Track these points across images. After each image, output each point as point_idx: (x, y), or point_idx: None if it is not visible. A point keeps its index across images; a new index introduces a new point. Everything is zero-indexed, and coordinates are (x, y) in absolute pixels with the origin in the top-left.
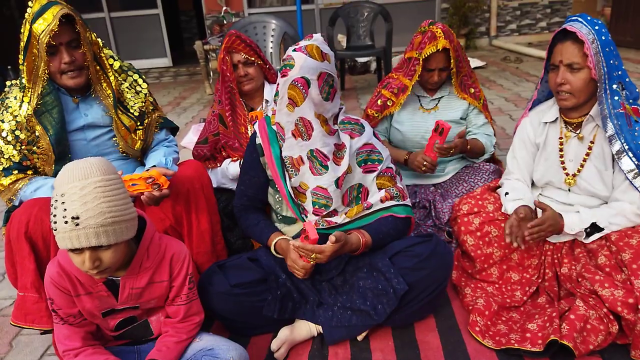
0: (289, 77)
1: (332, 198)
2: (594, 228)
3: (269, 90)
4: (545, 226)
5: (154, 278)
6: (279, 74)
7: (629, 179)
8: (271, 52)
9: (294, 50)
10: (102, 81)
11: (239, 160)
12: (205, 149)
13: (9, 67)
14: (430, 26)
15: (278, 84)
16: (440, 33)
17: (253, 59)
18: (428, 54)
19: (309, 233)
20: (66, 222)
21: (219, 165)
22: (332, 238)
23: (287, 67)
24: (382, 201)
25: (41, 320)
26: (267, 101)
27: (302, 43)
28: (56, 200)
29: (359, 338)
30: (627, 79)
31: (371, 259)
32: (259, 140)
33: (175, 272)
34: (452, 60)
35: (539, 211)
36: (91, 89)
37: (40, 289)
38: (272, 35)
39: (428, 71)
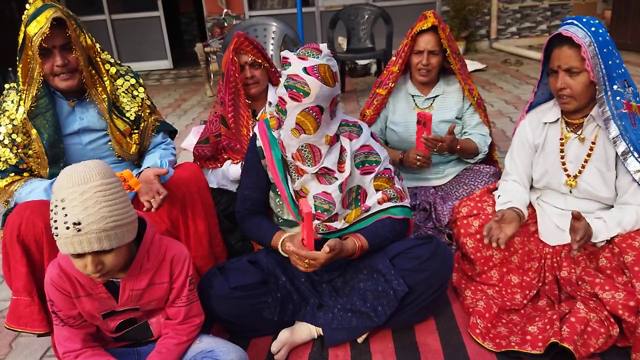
0: (302, 104)
1: (334, 203)
2: None
3: (272, 93)
4: (586, 237)
5: (154, 279)
6: (282, 81)
7: (635, 180)
8: (272, 55)
9: (305, 71)
10: (98, 85)
11: (240, 163)
12: (207, 149)
13: (10, 68)
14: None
15: (285, 102)
16: (430, 14)
17: (260, 61)
18: (417, 31)
19: (302, 208)
20: (68, 228)
21: (219, 165)
22: (325, 248)
23: (301, 93)
24: (379, 203)
25: (34, 323)
26: (270, 103)
27: (312, 60)
28: (56, 206)
29: (359, 340)
30: (629, 77)
31: (371, 261)
32: (259, 143)
33: (175, 274)
34: (442, 40)
35: (525, 212)
36: (86, 93)
37: (32, 293)
38: (272, 38)
39: (417, 53)
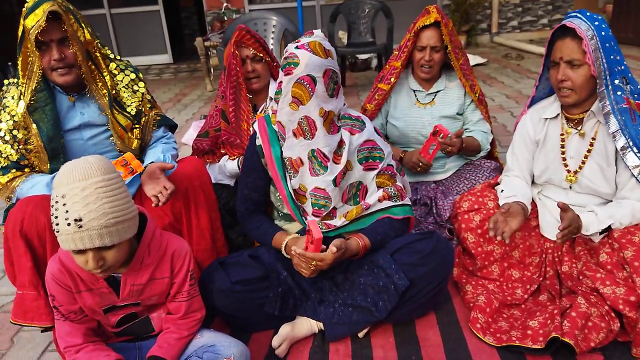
0: (294, 76)
1: (331, 198)
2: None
3: (273, 88)
4: (573, 227)
5: (155, 274)
6: (281, 71)
7: (634, 175)
8: (272, 49)
9: (297, 47)
10: (98, 80)
11: (237, 158)
12: (205, 142)
13: (9, 63)
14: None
15: (280, 82)
16: (433, 9)
17: (261, 55)
18: (420, 26)
19: (312, 232)
20: (69, 225)
21: (217, 160)
22: (332, 248)
23: (292, 65)
24: (379, 201)
25: (40, 317)
26: (271, 98)
27: (304, 40)
28: (57, 202)
29: (360, 335)
30: (629, 74)
31: (372, 256)
32: (259, 142)
33: (176, 269)
34: (444, 37)
35: (529, 206)
36: (87, 88)
37: (38, 287)
38: (272, 32)
39: (420, 50)
